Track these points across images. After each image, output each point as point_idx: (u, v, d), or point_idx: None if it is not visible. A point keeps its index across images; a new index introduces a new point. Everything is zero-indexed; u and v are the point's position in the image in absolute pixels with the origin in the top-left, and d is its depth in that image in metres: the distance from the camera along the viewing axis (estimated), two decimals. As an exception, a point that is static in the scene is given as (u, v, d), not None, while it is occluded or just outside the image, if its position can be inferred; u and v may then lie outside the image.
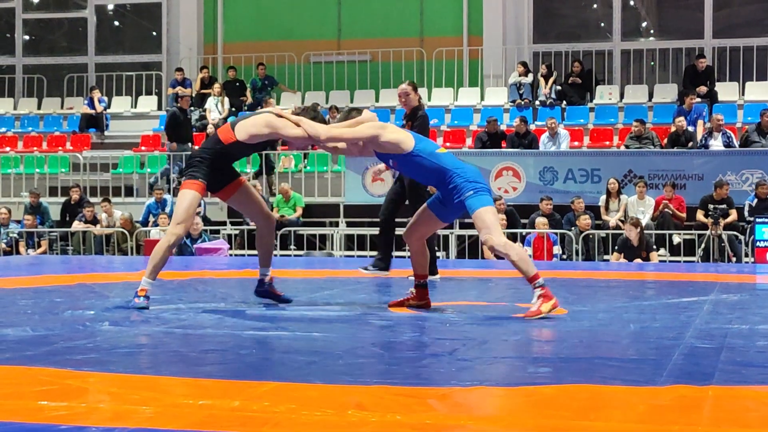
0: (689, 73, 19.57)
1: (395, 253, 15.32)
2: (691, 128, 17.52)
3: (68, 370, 4.40)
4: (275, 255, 7.97)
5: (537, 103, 20.10)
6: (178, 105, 18.90)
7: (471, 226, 15.83)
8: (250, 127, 6.84)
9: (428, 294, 7.11)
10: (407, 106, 9.79)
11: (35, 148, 21.05)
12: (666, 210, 15.50)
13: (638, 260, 14.17)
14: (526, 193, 16.45)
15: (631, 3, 21.88)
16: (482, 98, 21.02)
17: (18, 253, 16.80)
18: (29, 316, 6.44)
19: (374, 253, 15.54)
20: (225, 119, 20.45)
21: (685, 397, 3.92)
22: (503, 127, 18.89)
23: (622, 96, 20.54)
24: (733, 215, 15.16)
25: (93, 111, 21.51)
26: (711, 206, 15.07)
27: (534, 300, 6.43)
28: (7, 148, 21.21)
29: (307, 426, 3.43)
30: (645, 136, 17.27)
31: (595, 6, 22.44)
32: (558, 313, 6.49)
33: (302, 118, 6.79)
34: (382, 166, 8.32)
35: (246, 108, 21.20)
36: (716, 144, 16.82)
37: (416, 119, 9.61)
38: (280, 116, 6.84)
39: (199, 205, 17.08)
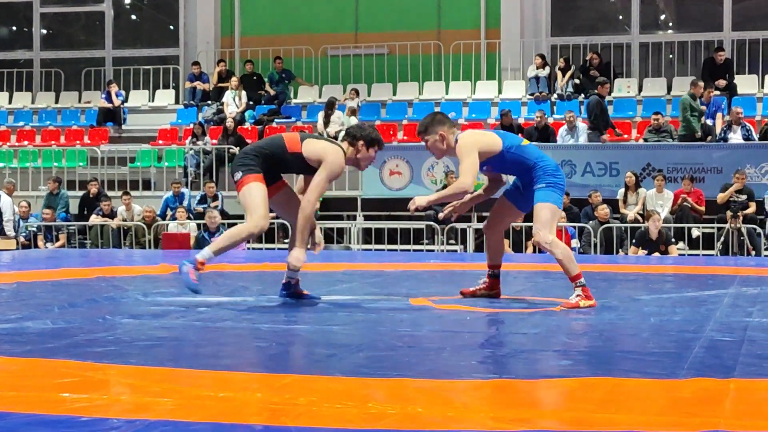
0: (708, 66, 19.47)
1: (426, 247, 15.39)
2: (710, 121, 17.44)
3: (89, 362, 4.42)
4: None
5: (555, 96, 20.03)
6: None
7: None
8: (319, 149, 6.72)
9: (500, 284, 7.18)
10: None
11: (53, 142, 21.09)
12: (685, 203, 15.46)
13: (657, 254, 14.13)
14: (545, 186, 16.38)
15: (650, -5, 21.81)
16: (500, 91, 20.96)
17: (36, 246, 16.86)
18: (49, 309, 6.45)
19: (392, 246, 15.60)
20: (242, 113, 20.46)
21: (707, 389, 3.90)
22: (521, 121, 18.85)
23: (640, 89, 20.47)
24: (753, 208, 15.10)
25: (110, 105, 21.56)
26: (732, 193, 15.01)
27: (573, 296, 6.54)
28: (26, 142, 21.27)
29: (327, 418, 3.43)
30: (663, 129, 17.21)
31: (613, -2, 22.38)
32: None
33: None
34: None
35: (263, 102, 21.20)
36: (735, 137, 16.75)
37: None
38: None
39: (217, 198, 17.26)
